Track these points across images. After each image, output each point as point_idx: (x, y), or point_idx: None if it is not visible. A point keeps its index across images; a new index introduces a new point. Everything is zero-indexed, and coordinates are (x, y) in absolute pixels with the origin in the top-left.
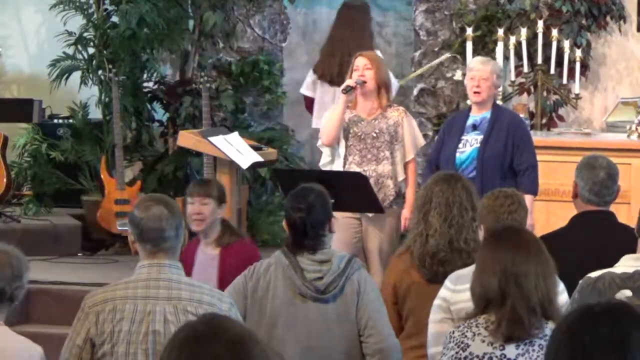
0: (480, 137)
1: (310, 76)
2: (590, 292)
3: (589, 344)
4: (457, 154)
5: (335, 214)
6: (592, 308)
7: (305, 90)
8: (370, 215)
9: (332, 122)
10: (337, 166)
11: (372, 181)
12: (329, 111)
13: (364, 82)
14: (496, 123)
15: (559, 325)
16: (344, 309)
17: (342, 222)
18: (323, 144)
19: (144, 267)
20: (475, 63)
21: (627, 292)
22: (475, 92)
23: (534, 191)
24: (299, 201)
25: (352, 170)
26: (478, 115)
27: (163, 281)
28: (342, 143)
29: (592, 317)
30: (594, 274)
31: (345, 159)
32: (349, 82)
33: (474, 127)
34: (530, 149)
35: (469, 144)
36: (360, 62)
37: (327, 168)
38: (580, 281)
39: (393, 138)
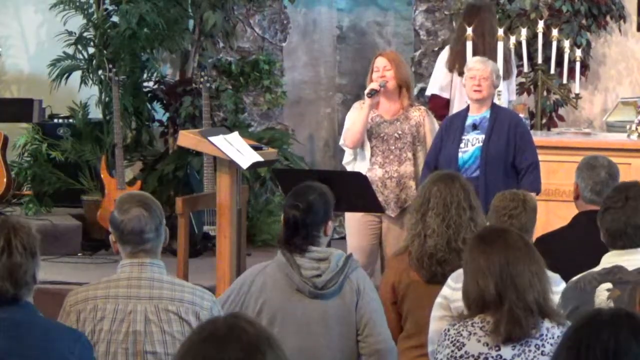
0: (481, 137)
1: (446, 76)
2: (573, 293)
3: (588, 352)
4: (460, 154)
5: (354, 214)
6: (597, 315)
7: (439, 91)
8: (392, 215)
9: (357, 126)
10: (361, 166)
11: (394, 182)
12: (353, 114)
13: (387, 82)
14: (496, 122)
15: (569, 327)
16: (343, 307)
17: (362, 222)
18: (347, 147)
19: (126, 266)
20: (474, 63)
21: (608, 285)
22: (475, 91)
23: (536, 189)
24: (298, 198)
25: (375, 171)
26: (477, 114)
27: (144, 280)
28: (367, 145)
29: (594, 325)
30: (576, 277)
31: (369, 160)
32: (373, 85)
33: (474, 127)
34: (531, 147)
35: (471, 144)
36: (380, 62)
37: (350, 166)
38: (563, 287)
39: (415, 139)
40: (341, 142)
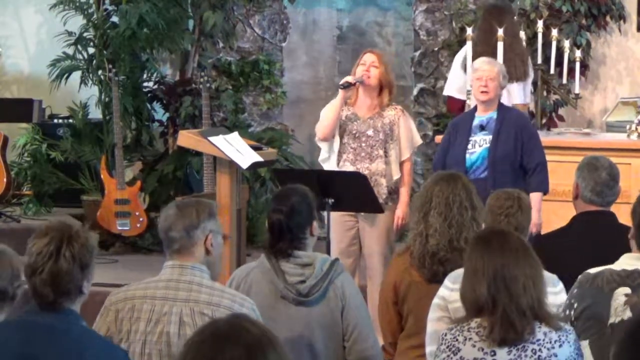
0: (489, 137)
1: (462, 77)
2: (589, 287)
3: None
4: (467, 155)
5: (335, 217)
6: None
7: (457, 93)
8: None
9: (328, 118)
10: (332, 162)
11: None
12: (327, 106)
13: (368, 78)
14: (504, 122)
15: (625, 326)
16: (328, 313)
17: (339, 222)
18: (318, 139)
19: (167, 267)
20: (481, 64)
21: (626, 290)
22: (482, 92)
23: (543, 189)
24: (280, 202)
25: (346, 168)
26: (484, 115)
27: (183, 283)
28: (337, 140)
29: None
30: (593, 270)
31: (340, 156)
32: (348, 78)
33: (482, 128)
34: (538, 147)
35: (478, 145)
36: (368, 58)
37: (326, 164)
38: (580, 276)
39: (388, 137)
40: (316, 138)
